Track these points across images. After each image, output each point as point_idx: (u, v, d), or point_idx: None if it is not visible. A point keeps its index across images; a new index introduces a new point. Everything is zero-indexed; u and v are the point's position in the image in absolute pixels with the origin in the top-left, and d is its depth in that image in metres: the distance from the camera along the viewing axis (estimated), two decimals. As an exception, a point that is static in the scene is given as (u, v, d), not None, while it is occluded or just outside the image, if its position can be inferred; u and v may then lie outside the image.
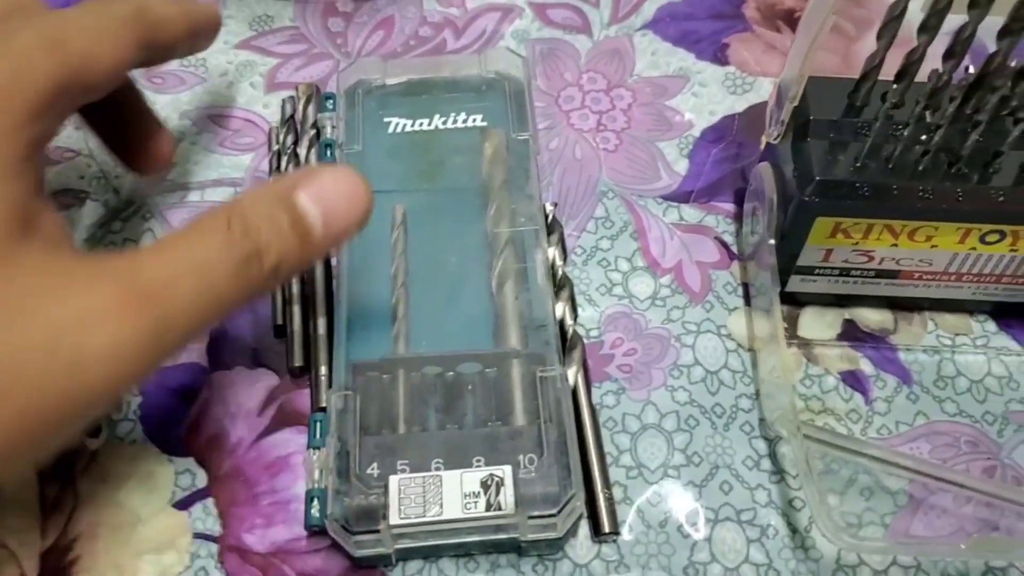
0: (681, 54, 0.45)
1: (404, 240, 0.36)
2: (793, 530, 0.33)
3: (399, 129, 0.39)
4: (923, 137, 0.33)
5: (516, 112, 0.40)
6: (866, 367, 0.36)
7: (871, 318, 0.38)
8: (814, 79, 0.33)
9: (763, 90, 0.44)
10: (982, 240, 0.34)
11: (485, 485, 0.30)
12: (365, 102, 0.40)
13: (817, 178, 0.32)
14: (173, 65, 0.44)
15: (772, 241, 0.35)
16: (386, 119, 0.40)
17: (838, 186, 0.33)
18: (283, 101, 0.42)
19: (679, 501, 0.33)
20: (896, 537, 0.33)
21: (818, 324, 0.37)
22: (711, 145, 0.42)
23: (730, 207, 0.40)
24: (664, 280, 0.38)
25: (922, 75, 0.32)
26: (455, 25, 0.46)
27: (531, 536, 0.30)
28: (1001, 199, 0.32)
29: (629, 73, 0.44)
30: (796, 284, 0.36)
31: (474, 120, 0.40)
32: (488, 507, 0.29)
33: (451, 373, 0.33)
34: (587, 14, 0.47)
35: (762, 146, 0.37)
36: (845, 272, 0.36)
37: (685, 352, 0.36)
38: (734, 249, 0.39)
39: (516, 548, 0.32)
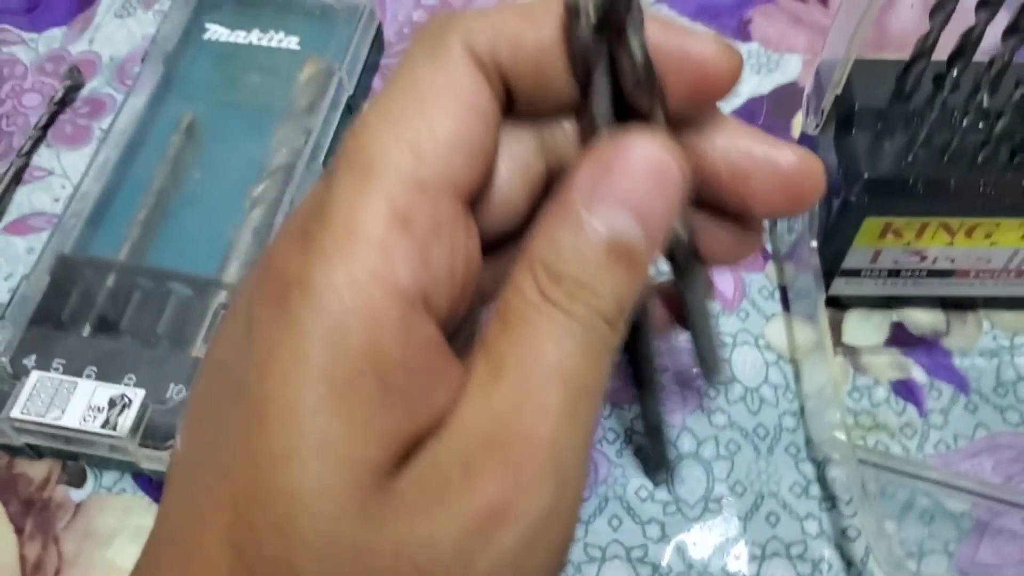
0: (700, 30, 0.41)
1: (180, 147, 0.36)
2: (848, 563, 0.30)
3: (216, 37, 0.39)
4: (981, 125, 0.29)
5: (352, 45, 0.38)
6: (918, 375, 0.33)
7: (922, 320, 0.34)
8: (859, 62, 0.29)
9: (789, 68, 0.40)
10: (1048, 235, 0.30)
11: (112, 403, 0.29)
12: (197, 3, 0.39)
13: (866, 175, 0.29)
14: None
15: (814, 244, 0.32)
16: (207, 24, 0.39)
17: (889, 184, 0.29)
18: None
19: (723, 538, 0.30)
20: (962, 567, 0.30)
21: (864, 328, 0.34)
22: (737, 132, 0.38)
23: (761, 201, 0.37)
24: (693, 286, 0.35)
25: (979, 56, 0.29)
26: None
27: (147, 466, 0.30)
28: (1071, 191, 0.29)
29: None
30: (840, 287, 0.33)
31: (290, 43, 0.38)
32: (104, 424, 0.29)
33: (164, 289, 0.32)
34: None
35: (794, 134, 0.34)
36: (894, 273, 0.33)
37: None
38: (768, 248, 0.36)
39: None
